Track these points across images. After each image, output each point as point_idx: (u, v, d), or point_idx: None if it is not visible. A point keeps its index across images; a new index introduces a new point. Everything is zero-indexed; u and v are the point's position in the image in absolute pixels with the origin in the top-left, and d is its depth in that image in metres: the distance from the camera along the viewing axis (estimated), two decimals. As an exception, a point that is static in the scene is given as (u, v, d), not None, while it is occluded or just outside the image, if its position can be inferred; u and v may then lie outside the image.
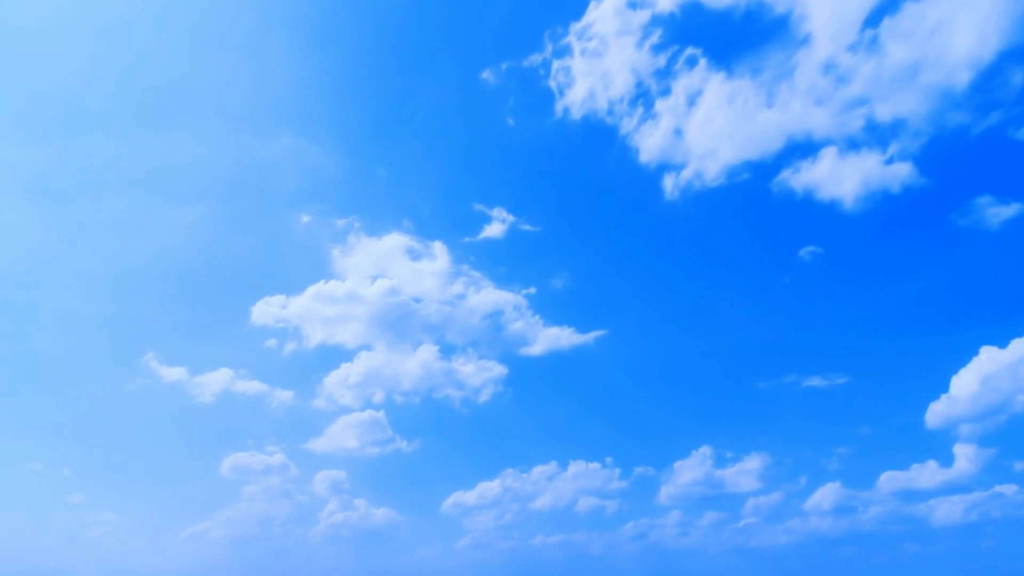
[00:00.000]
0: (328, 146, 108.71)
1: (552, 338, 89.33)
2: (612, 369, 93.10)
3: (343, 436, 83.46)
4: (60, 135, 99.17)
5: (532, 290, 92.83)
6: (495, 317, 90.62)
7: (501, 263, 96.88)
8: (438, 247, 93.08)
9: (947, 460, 71.79)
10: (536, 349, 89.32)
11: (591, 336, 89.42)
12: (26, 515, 77.29)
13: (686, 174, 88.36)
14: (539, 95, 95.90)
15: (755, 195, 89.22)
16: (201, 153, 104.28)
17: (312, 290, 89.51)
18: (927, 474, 71.67)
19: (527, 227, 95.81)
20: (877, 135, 79.76)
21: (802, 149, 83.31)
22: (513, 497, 79.65)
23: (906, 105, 77.41)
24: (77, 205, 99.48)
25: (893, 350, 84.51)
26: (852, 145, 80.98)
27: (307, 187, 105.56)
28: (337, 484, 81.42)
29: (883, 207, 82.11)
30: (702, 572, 77.46)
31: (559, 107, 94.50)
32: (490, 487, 79.96)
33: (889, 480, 72.65)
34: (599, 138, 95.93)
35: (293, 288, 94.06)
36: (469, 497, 79.90)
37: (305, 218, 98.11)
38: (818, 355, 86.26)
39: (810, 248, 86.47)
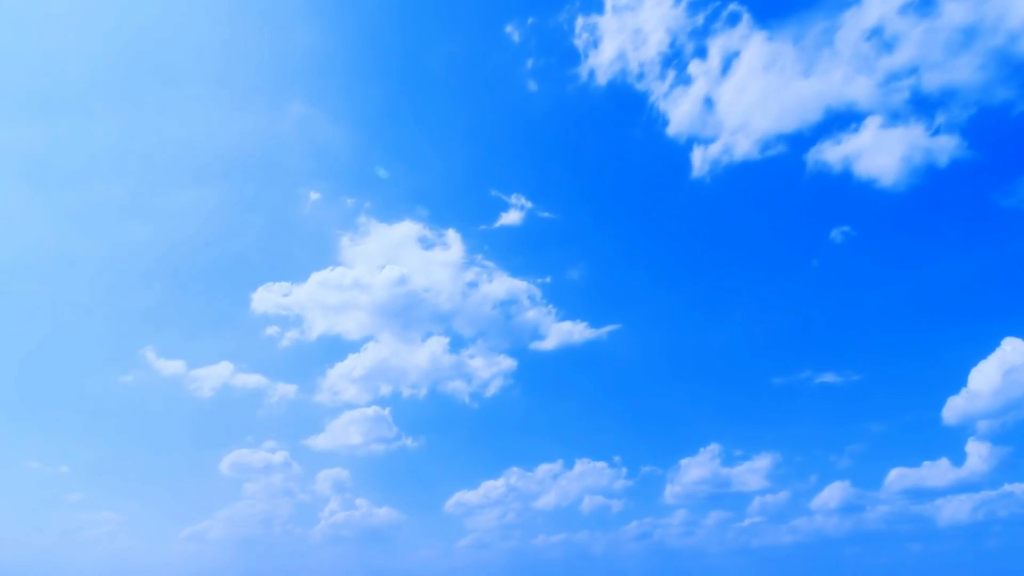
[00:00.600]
0: (341, 115, 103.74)
1: (565, 332, 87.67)
2: (624, 365, 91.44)
3: (346, 432, 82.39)
4: (53, 113, 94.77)
5: (547, 279, 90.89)
6: (507, 310, 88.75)
7: (517, 252, 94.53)
8: (452, 235, 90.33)
9: (960, 458, 70.14)
10: (548, 344, 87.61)
11: (605, 331, 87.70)
12: (24, 514, 76.43)
13: (716, 148, 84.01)
14: (563, 55, 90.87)
15: (788, 171, 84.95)
16: (205, 125, 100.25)
17: (317, 278, 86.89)
18: (937, 472, 70.32)
19: (545, 214, 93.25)
20: (924, 106, 74.79)
21: (841, 121, 78.33)
22: (517, 496, 79.03)
23: (958, 74, 71.97)
24: (70, 189, 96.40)
25: (913, 342, 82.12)
26: (896, 117, 76.23)
27: (317, 162, 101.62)
28: (339, 482, 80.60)
29: (924, 184, 77.98)
30: (703, 572, 76.93)
31: (584, 70, 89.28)
32: (494, 486, 79.26)
33: (899, 478, 71.51)
34: (626, 107, 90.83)
35: (297, 275, 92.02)
36: (473, 496, 79.20)
37: (314, 195, 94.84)
38: (836, 348, 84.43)
39: (843, 228, 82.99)
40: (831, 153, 79.63)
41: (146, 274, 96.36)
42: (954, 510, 68.97)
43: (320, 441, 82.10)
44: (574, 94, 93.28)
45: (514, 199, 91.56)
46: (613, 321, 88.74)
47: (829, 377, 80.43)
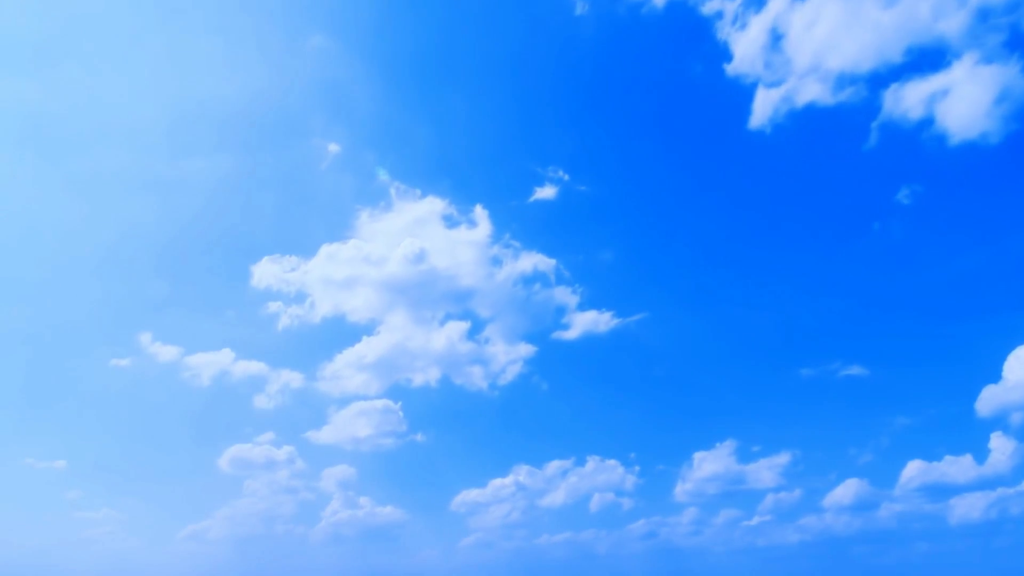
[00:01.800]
0: (363, 52, 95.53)
1: (590, 322, 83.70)
2: (649, 356, 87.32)
3: (352, 426, 79.37)
4: (48, 67, 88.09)
5: (577, 260, 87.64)
6: (532, 297, 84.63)
7: (547, 232, 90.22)
8: (479, 212, 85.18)
9: (985, 453, 67.17)
10: (571, 333, 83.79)
11: (631, 320, 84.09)
12: (21, 513, 74.31)
13: (780, 92, 76.14)
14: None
15: (857, 120, 75.94)
16: (211, 67, 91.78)
17: (327, 251, 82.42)
18: (958, 469, 67.75)
19: (583, 187, 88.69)
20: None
21: (925, 62, 70.23)
22: (524, 494, 77.31)
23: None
24: (65, 154, 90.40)
25: (956, 327, 76.53)
26: (989, 59, 67.72)
27: (337, 109, 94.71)
28: (342, 480, 78.54)
29: (1011, 135, 69.20)
30: (703, 572, 75.85)
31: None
32: (502, 484, 77.26)
33: (917, 475, 68.98)
34: (685, 37, 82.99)
35: (307, 249, 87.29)
36: (479, 495, 77.37)
37: (333, 147, 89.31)
38: (871, 335, 79.97)
39: (913, 187, 75.84)
40: (909, 99, 71.92)
41: (148, 251, 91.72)
42: (967, 508, 66.99)
43: (324, 435, 79.79)
44: (626, 19, 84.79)
45: (551, 172, 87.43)
46: (642, 308, 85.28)
47: (855, 370, 76.82)
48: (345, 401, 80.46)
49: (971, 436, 69.42)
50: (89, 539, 73.60)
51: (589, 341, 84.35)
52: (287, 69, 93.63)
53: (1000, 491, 65.81)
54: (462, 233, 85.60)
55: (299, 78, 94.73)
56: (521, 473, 78.02)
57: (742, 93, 79.83)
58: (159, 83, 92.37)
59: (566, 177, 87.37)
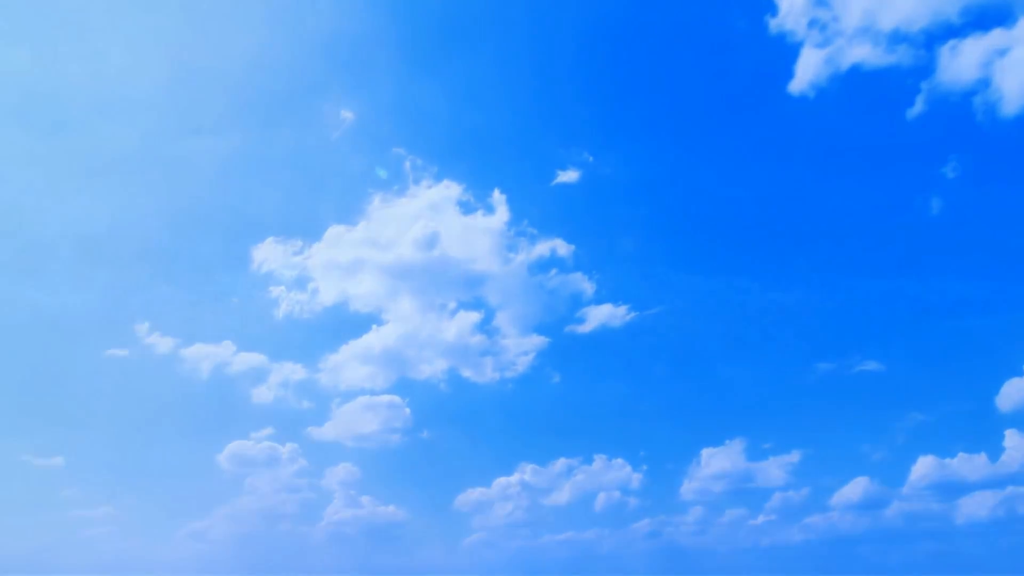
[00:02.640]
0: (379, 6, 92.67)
1: (605, 315, 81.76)
2: (663, 351, 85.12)
3: (355, 422, 77.62)
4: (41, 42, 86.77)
5: (595, 250, 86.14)
6: (546, 284, 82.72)
7: (567, 219, 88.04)
8: (497, 197, 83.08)
9: (999, 451, 65.39)
10: (586, 327, 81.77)
11: (648, 313, 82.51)
12: (17, 512, 72.51)
13: (824, 54, 72.24)
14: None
15: (905, 83, 72.10)
16: (217, 19, 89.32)
17: (333, 234, 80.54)
18: (969, 467, 66.17)
19: (607, 170, 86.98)
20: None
21: (983, 20, 67.12)
22: (529, 493, 76.03)
23: None
24: (65, 134, 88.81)
25: (975, 321, 73.90)
26: None
27: (350, 68, 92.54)
28: (345, 478, 76.77)
29: None
30: (706, 571, 74.33)
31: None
32: (508, 483, 75.93)
33: (928, 473, 67.36)
34: None
35: (313, 232, 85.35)
36: (483, 494, 76.00)
37: (346, 114, 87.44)
38: (890, 328, 77.13)
39: (961, 159, 71.65)
40: (963, 60, 68.15)
41: (146, 235, 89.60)
42: (975, 506, 65.53)
43: (326, 431, 78.02)
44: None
45: (575, 154, 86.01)
46: (658, 302, 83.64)
47: (872, 365, 74.62)
48: (349, 395, 78.59)
49: (989, 432, 67.60)
50: (88, 538, 72.35)
51: (603, 335, 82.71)
52: (298, 23, 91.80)
53: (1009, 489, 64.65)
54: (478, 219, 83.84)
55: (310, 33, 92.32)
56: (527, 471, 76.83)
57: (785, 53, 76.31)
58: (160, 51, 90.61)
59: (591, 159, 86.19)
